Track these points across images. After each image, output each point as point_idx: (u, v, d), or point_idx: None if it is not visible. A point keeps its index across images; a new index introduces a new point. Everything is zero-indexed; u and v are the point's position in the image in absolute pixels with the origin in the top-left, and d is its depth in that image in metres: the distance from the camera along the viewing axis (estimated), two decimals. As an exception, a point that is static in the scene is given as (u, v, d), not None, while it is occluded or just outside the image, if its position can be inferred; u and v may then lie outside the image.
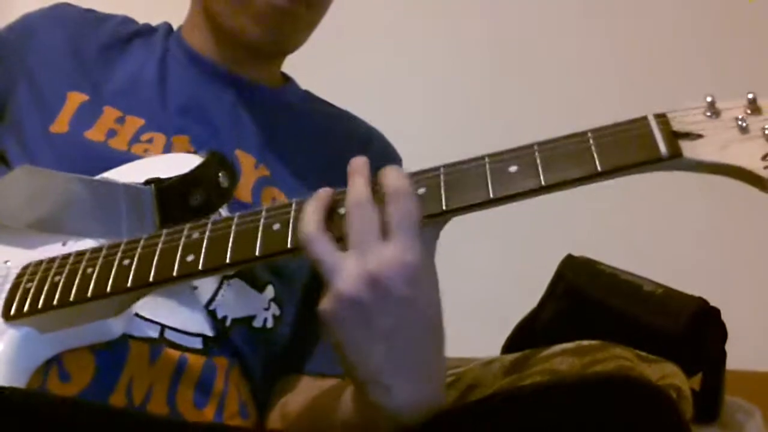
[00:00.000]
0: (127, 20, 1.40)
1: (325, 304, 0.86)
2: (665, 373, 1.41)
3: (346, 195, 0.88)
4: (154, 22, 1.42)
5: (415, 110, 2.29)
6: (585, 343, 1.41)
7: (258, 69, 1.35)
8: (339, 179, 0.92)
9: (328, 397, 1.07)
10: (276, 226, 0.92)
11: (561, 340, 1.43)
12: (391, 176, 0.88)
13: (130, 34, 1.37)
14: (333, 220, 0.89)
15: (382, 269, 0.83)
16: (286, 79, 1.44)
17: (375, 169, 0.88)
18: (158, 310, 1.09)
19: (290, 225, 0.91)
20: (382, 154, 1.37)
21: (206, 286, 1.13)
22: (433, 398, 0.88)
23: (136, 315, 1.07)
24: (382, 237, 0.85)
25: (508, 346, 1.65)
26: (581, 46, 2.33)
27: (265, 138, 1.30)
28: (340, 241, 0.87)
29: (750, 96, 0.81)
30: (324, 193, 0.91)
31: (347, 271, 0.84)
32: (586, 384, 0.93)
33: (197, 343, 1.12)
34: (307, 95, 1.44)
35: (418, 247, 0.85)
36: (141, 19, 1.42)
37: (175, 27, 1.41)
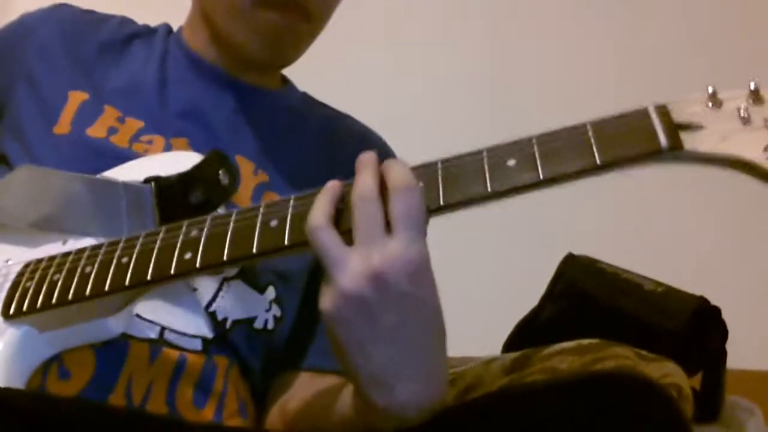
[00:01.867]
0: (126, 21, 1.40)
1: (327, 301, 0.85)
2: (666, 371, 1.41)
3: (352, 189, 0.87)
4: (153, 24, 1.42)
5: (415, 111, 2.29)
6: (585, 341, 1.41)
7: (257, 73, 1.35)
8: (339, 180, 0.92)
9: (327, 395, 1.06)
10: (273, 223, 0.92)
11: (561, 339, 1.43)
12: (395, 170, 0.87)
13: (129, 35, 1.37)
14: (342, 213, 0.88)
15: (386, 265, 0.82)
16: (285, 81, 1.43)
17: None
18: (158, 311, 1.09)
19: (288, 221, 0.91)
20: (380, 155, 1.36)
21: (206, 287, 1.13)
22: (435, 397, 0.87)
23: (136, 316, 1.07)
24: (387, 232, 0.84)
25: (509, 345, 1.64)
26: (579, 37, 2.33)
27: (264, 143, 1.29)
28: (348, 234, 0.86)
29: (752, 86, 0.80)
30: (334, 185, 0.90)
31: (351, 267, 0.83)
32: (586, 383, 0.93)
33: (197, 345, 1.11)
34: (306, 98, 1.43)
35: (421, 243, 0.84)
36: (140, 20, 1.42)
37: (174, 28, 1.41)
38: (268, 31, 1.24)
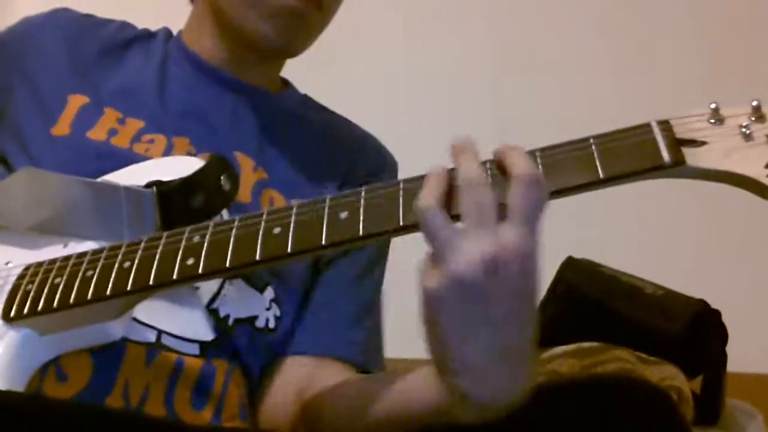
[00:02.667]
0: (125, 25, 1.40)
1: (434, 282, 0.82)
2: (666, 374, 1.42)
3: (459, 172, 0.84)
4: (153, 28, 1.42)
5: (414, 111, 2.29)
6: (586, 344, 1.42)
7: (259, 73, 1.35)
8: (335, 182, 0.92)
9: (375, 388, 1.04)
10: (276, 230, 0.91)
11: (562, 342, 1.43)
12: (521, 160, 0.83)
13: (129, 39, 1.37)
14: (448, 199, 0.84)
15: (503, 255, 0.79)
16: (285, 83, 1.44)
17: (370, 175, 0.87)
18: (156, 315, 1.09)
19: (291, 229, 0.91)
20: (378, 159, 1.37)
21: (208, 285, 1.13)
22: (524, 392, 0.85)
23: (134, 319, 1.07)
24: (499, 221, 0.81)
25: (509, 348, 1.64)
26: (583, 49, 2.33)
27: (264, 141, 1.30)
28: (455, 219, 0.83)
29: (754, 103, 0.81)
30: (443, 170, 0.86)
31: (465, 252, 0.80)
32: (586, 386, 0.93)
33: (194, 349, 1.11)
34: (306, 100, 1.44)
35: (537, 238, 0.82)
36: (140, 25, 1.42)
37: (173, 33, 1.41)
38: (283, 15, 1.24)
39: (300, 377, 1.20)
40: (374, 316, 1.31)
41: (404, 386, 0.99)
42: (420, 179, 0.86)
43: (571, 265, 1.65)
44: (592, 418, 0.87)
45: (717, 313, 1.55)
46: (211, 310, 1.13)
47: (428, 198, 0.83)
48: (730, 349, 1.55)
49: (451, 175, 0.85)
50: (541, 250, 0.82)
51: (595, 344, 1.42)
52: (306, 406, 1.17)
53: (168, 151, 1.22)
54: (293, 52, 1.33)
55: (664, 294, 1.57)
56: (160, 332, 1.09)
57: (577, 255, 1.67)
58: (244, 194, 1.22)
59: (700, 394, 1.52)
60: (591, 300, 1.59)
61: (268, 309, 1.19)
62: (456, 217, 0.83)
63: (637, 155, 0.82)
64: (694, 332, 1.52)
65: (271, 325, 1.19)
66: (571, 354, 1.40)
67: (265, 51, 1.30)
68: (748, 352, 1.65)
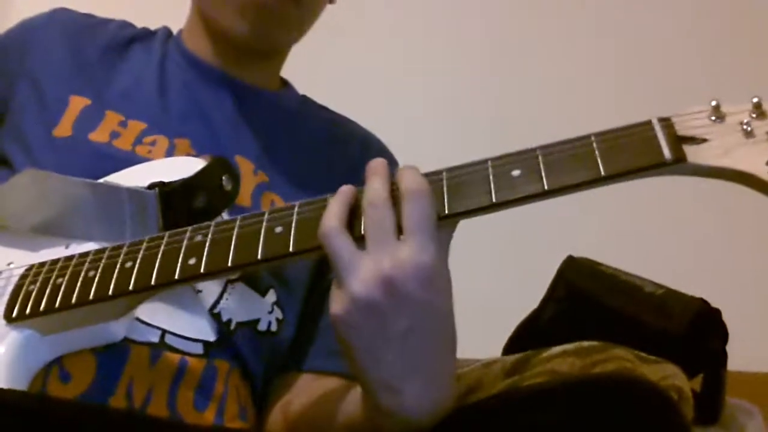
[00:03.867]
0: (125, 25, 1.41)
1: (338, 306, 0.85)
2: (666, 374, 1.41)
3: (364, 194, 0.87)
4: (152, 27, 1.42)
5: (414, 111, 2.29)
6: (586, 344, 1.41)
7: (257, 72, 1.35)
8: (336, 184, 0.92)
9: (332, 398, 1.07)
10: (278, 229, 0.92)
11: (562, 341, 1.43)
12: (408, 176, 0.87)
13: (129, 39, 1.37)
14: (355, 218, 0.88)
15: (397, 270, 0.82)
16: (285, 83, 1.44)
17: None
18: (159, 315, 1.09)
19: (292, 228, 0.91)
20: (383, 157, 1.36)
21: (211, 289, 1.14)
22: (443, 402, 0.87)
23: (137, 319, 1.07)
24: (398, 237, 0.84)
25: (509, 347, 1.64)
26: (583, 47, 2.33)
27: (264, 144, 1.30)
28: (361, 240, 0.86)
29: (755, 100, 0.81)
30: (347, 189, 0.90)
31: (362, 272, 0.83)
32: (587, 385, 0.93)
33: (198, 349, 1.12)
34: (306, 100, 1.44)
35: (433, 248, 0.84)
36: (140, 24, 1.42)
37: (173, 31, 1.41)
38: (254, 11, 1.24)
39: (295, 392, 1.20)
40: None
41: (352, 397, 1.00)
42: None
43: (571, 264, 1.65)
44: (593, 418, 0.87)
45: (717, 312, 1.55)
46: (214, 314, 1.13)
47: (331, 219, 0.87)
48: (731, 348, 1.55)
49: (358, 195, 0.89)
50: (441, 260, 0.85)
51: (595, 343, 1.41)
52: (290, 419, 1.18)
53: (170, 153, 1.23)
54: (277, 48, 1.34)
55: (664, 293, 1.56)
56: (163, 332, 1.09)
57: (577, 254, 1.67)
58: (245, 197, 1.22)
59: (700, 393, 1.52)
60: (591, 299, 1.58)
61: (270, 312, 1.19)
62: (362, 238, 0.86)
63: (638, 152, 0.82)
64: (694, 331, 1.52)
65: (273, 328, 1.19)
66: (571, 353, 1.40)
67: (249, 48, 1.30)
68: (749, 351, 1.65)
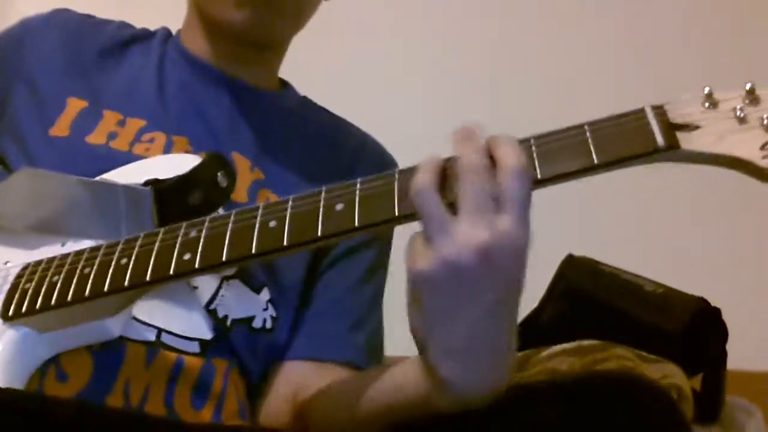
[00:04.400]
0: (124, 25, 1.41)
1: (424, 264, 0.82)
2: (666, 372, 1.42)
3: (460, 158, 0.84)
4: (152, 27, 1.42)
5: (414, 111, 2.29)
6: (586, 343, 1.42)
7: (255, 71, 1.36)
8: (331, 184, 0.92)
9: (361, 383, 1.04)
10: (272, 224, 0.92)
11: (562, 340, 1.43)
12: (510, 150, 0.84)
13: (128, 39, 1.37)
14: (443, 185, 0.85)
15: (496, 241, 0.80)
16: (284, 84, 1.44)
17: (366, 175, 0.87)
18: (155, 314, 1.10)
19: (286, 222, 0.91)
20: (377, 160, 1.37)
21: (206, 285, 1.14)
22: (501, 385, 0.85)
23: (134, 318, 1.07)
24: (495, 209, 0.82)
25: (509, 347, 1.64)
26: (583, 47, 2.33)
27: (261, 142, 1.30)
28: (449, 207, 0.83)
29: (748, 86, 0.81)
30: (435, 157, 0.86)
31: (459, 235, 0.80)
32: (586, 384, 0.93)
33: (194, 347, 1.12)
34: (305, 101, 1.44)
35: (528, 228, 0.82)
36: (139, 25, 1.42)
37: (172, 33, 1.42)
38: (251, 1, 1.24)
39: (301, 381, 1.20)
40: (376, 317, 1.31)
41: (387, 377, 0.99)
42: (415, 170, 0.87)
43: (571, 263, 1.65)
44: (593, 417, 0.87)
45: (717, 311, 1.54)
46: (210, 311, 1.13)
47: (424, 179, 0.84)
48: (731, 347, 1.54)
49: (446, 164, 0.86)
50: (532, 242, 0.83)
51: (595, 342, 1.42)
52: (299, 407, 1.17)
53: (167, 150, 1.23)
54: (271, 38, 1.34)
55: (664, 292, 1.56)
56: (160, 331, 1.09)
57: (577, 253, 1.67)
58: (241, 194, 1.22)
59: (700, 392, 1.52)
60: (591, 298, 1.58)
61: (264, 310, 1.19)
62: (450, 206, 0.83)
63: (631, 140, 0.82)
64: (694, 330, 1.51)
65: (268, 325, 1.19)
66: (571, 352, 1.40)
67: (242, 39, 1.30)
68: (748, 350, 1.64)
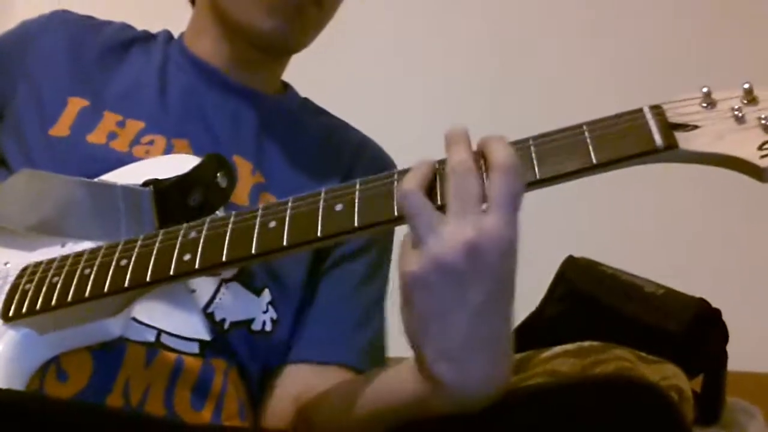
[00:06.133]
0: (125, 27, 1.41)
1: (414, 264, 0.83)
2: (666, 374, 1.41)
3: (448, 160, 0.85)
4: (153, 29, 1.42)
5: (414, 113, 2.29)
6: (586, 344, 1.41)
7: (260, 76, 1.36)
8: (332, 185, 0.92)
9: (361, 386, 1.04)
10: (272, 224, 0.92)
11: (562, 341, 1.43)
12: (499, 148, 0.84)
13: (129, 41, 1.37)
14: (433, 188, 0.86)
15: (483, 239, 0.80)
16: (286, 86, 1.44)
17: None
18: (155, 315, 1.10)
19: (286, 222, 0.91)
20: (377, 163, 1.37)
21: (205, 288, 1.14)
22: (500, 385, 0.85)
23: (133, 319, 1.07)
24: (482, 208, 0.82)
25: (509, 348, 1.64)
26: (583, 47, 2.34)
27: (263, 145, 1.30)
28: (439, 209, 0.84)
29: (746, 86, 0.81)
30: (425, 162, 0.88)
31: (446, 234, 0.81)
32: (587, 385, 0.93)
33: (194, 348, 1.12)
34: (306, 104, 1.44)
35: (516, 224, 0.82)
36: (140, 26, 1.42)
37: (174, 35, 1.42)
38: (281, 8, 1.24)
39: (304, 384, 1.20)
40: (378, 318, 1.31)
41: (385, 380, 0.99)
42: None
43: (571, 264, 1.64)
44: (593, 418, 0.86)
45: (717, 312, 1.54)
46: (207, 314, 1.13)
47: (409, 182, 0.85)
48: (731, 348, 1.54)
49: (439, 167, 0.87)
50: (520, 238, 0.83)
51: (595, 343, 1.41)
52: (302, 409, 1.17)
53: (167, 153, 1.23)
54: (292, 49, 1.34)
55: (665, 293, 1.56)
56: (159, 332, 1.09)
57: (577, 254, 1.67)
58: (242, 197, 1.22)
59: (701, 393, 1.52)
60: (591, 299, 1.58)
61: (265, 312, 1.19)
62: (440, 208, 0.84)
63: (629, 140, 0.82)
64: (694, 331, 1.51)
65: (268, 328, 1.19)
66: (571, 353, 1.40)
67: (266, 46, 1.30)
68: (749, 351, 1.64)
